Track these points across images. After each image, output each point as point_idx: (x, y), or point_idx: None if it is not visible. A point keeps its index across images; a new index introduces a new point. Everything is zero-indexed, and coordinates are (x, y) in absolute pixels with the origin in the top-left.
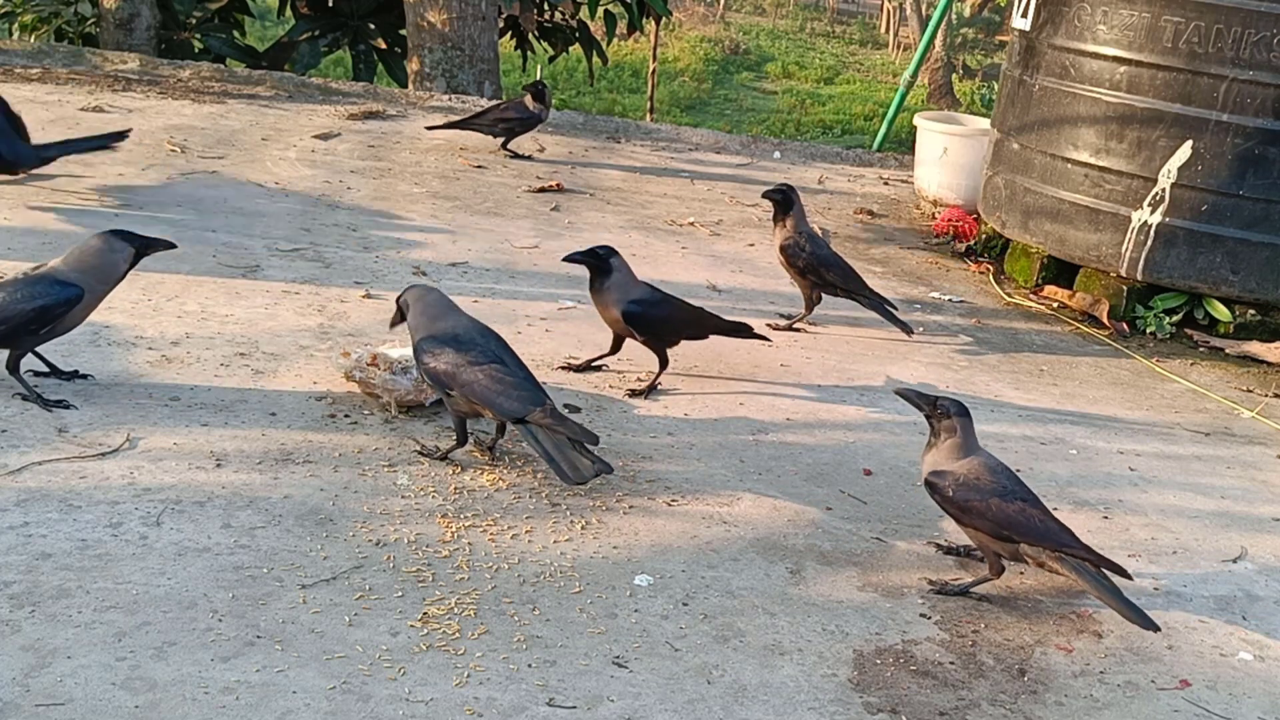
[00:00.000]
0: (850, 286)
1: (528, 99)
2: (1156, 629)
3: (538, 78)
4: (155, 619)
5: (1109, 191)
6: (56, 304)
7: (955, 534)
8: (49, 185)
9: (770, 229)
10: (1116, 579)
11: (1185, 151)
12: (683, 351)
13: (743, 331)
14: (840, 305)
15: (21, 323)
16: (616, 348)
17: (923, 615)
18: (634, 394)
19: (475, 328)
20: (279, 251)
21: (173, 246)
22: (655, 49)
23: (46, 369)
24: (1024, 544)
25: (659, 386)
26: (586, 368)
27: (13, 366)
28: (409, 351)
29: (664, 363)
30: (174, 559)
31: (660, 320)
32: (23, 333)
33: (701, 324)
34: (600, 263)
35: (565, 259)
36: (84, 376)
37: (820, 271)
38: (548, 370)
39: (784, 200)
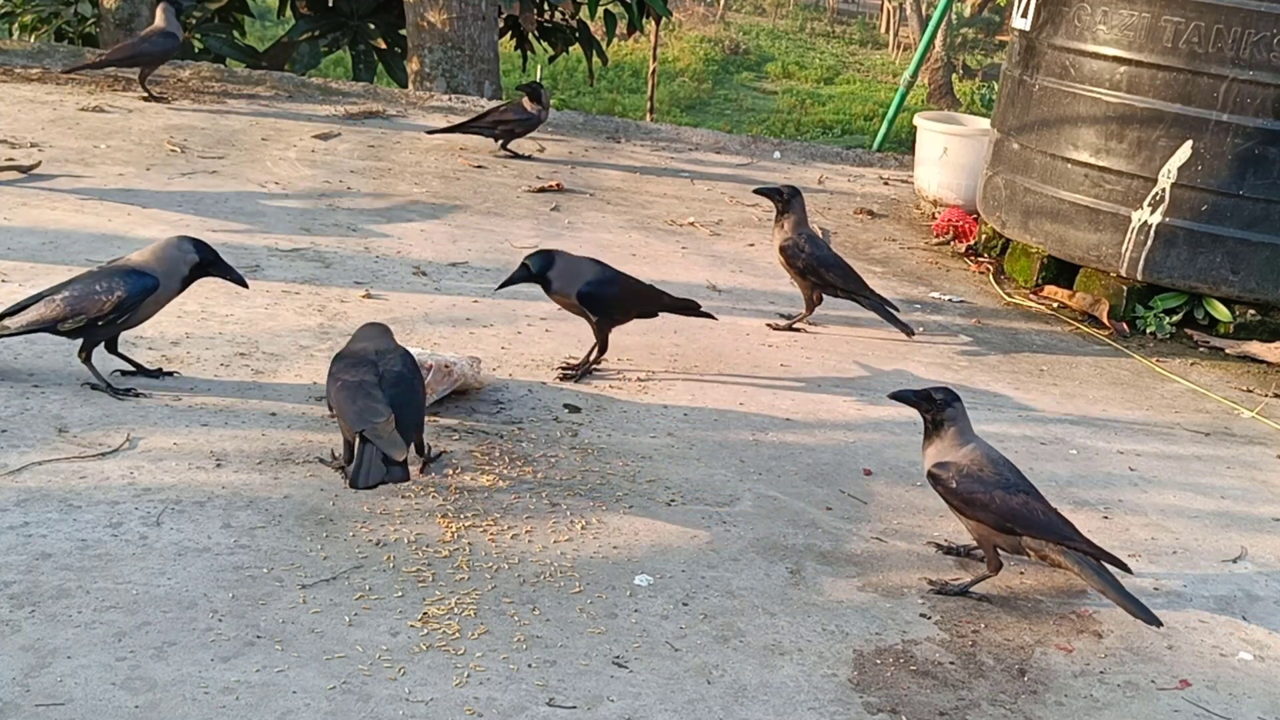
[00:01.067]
0: (850, 287)
1: (525, 101)
2: (1159, 624)
3: (536, 78)
4: (155, 619)
5: (1109, 191)
6: (134, 294)
7: (954, 534)
8: (48, 185)
9: (770, 229)
10: (1117, 573)
11: (1185, 151)
12: (682, 351)
13: (690, 309)
14: (840, 306)
15: (100, 314)
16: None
17: (923, 615)
18: (565, 376)
19: (376, 349)
20: (279, 251)
21: (244, 285)
22: (655, 49)
23: (132, 368)
24: (1026, 537)
25: (593, 371)
26: (586, 373)
27: (86, 356)
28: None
29: (603, 348)
30: (174, 559)
31: (612, 298)
32: (100, 323)
33: (653, 300)
34: (537, 276)
35: (498, 288)
36: (169, 374)
37: (820, 272)
38: (547, 370)
39: (785, 201)
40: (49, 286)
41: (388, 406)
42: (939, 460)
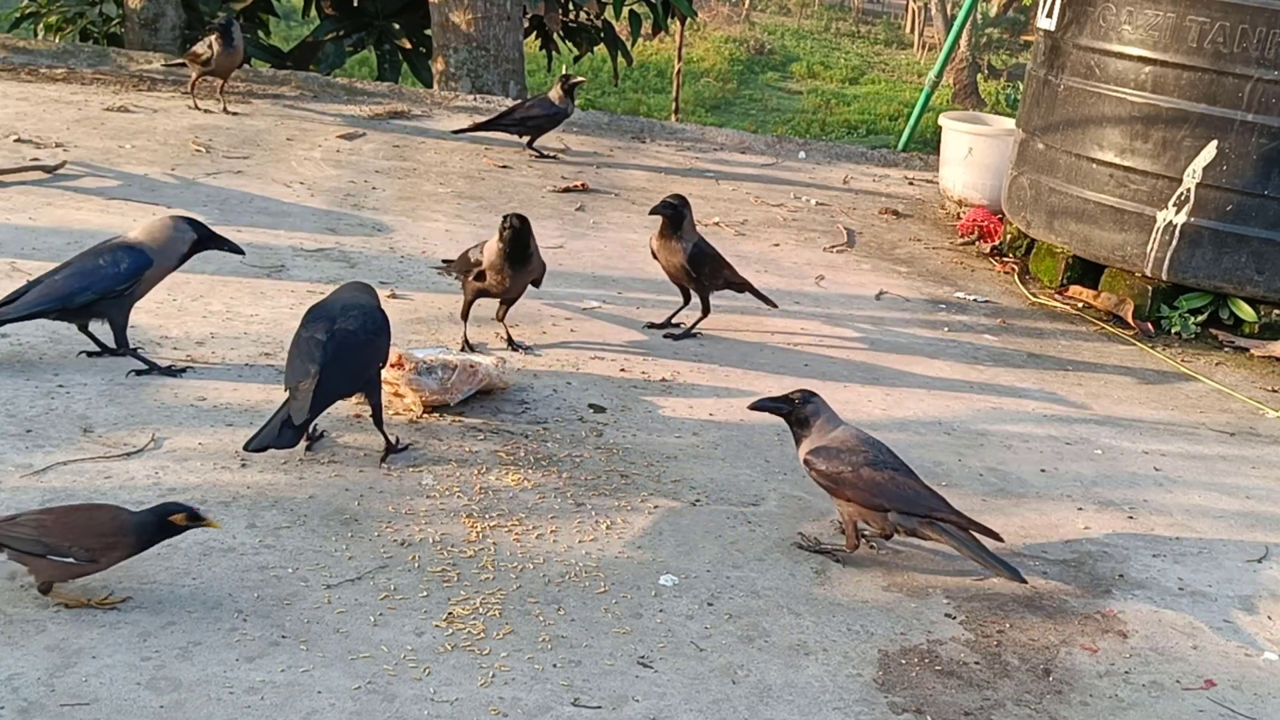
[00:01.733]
0: (742, 281)
1: (555, 92)
2: (1023, 581)
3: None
4: (180, 619)
5: (1134, 191)
6: (137, 267)
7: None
8: (73, 185)
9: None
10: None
11: (1210, 151)
12: (707, 351)
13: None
14: (866, 306)
15: (110, 287)
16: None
17: (948, 615)
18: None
19: (344, 305)
20: (304, 251)
21: (239, 252)
22: (680, 49)
23: (145, 366)
24: (893, 513)
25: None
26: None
27: (120, 340)
28: (435, 351)
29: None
30: (199, 559)
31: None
32: (111, 295)
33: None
34: (674, 212)
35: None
36: (181, 371)
37: (724, 274)
38: (572, 370)
39: (675, 213)
40: (43, 274)
41: (319, 366)
42: (811, 448)
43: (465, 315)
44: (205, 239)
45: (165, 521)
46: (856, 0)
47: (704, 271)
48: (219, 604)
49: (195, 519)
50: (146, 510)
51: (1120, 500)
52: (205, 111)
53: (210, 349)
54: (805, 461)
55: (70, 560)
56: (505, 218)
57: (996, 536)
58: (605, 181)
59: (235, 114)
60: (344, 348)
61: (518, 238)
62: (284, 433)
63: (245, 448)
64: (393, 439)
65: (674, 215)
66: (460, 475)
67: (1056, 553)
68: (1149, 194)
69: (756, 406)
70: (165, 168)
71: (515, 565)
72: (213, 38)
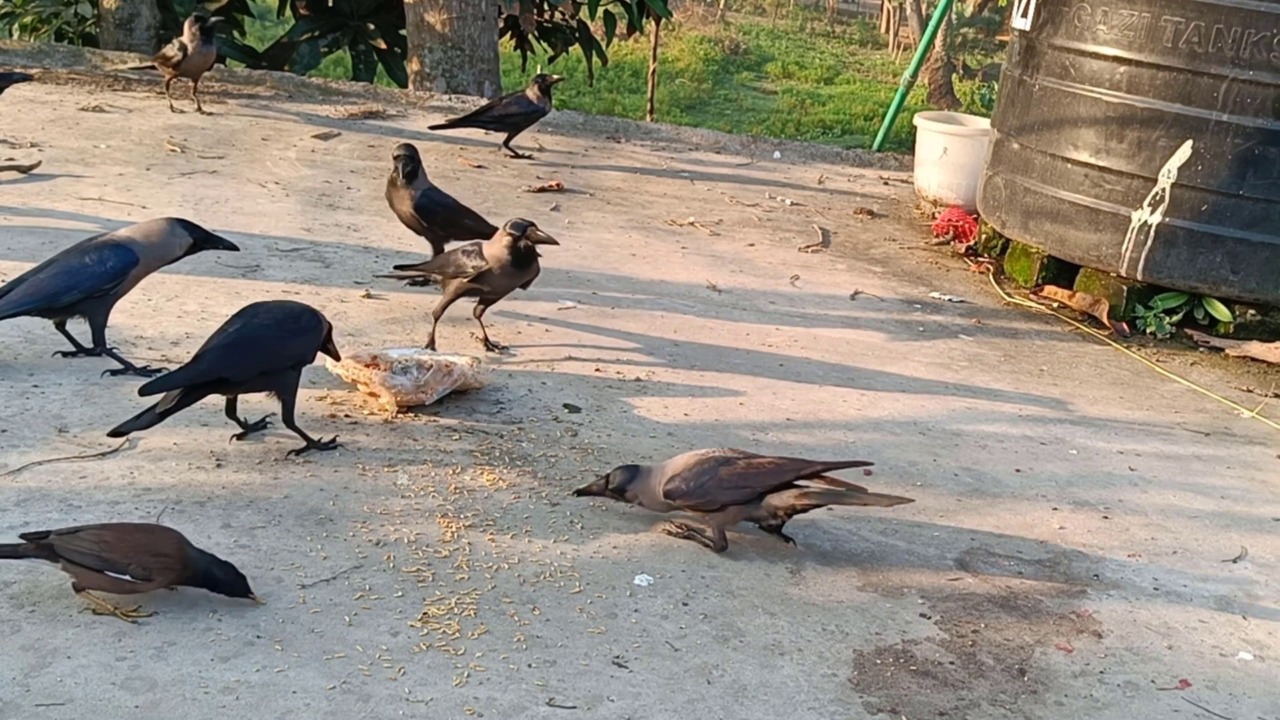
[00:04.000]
0: (482, 229)
1: (532, 90)
2: (904, 500)
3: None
4: (155, 619)
5: (1109, 191)
6: (124, 265)
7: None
8: (48, 186)
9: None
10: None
11: (1185, 151)
12: (681, 351)
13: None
14: (840, 307)
15: (95, 286)
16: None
17: (922, 615)
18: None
19: (261, 307)
20: (279, 251)
21: (234, 249)
22: (655, 49)
23: (121, 366)
24: (769, 495)
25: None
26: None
27: (99, 340)
28: (409, 351)
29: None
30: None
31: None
32: (96, 294)
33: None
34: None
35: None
36: (156, 371)
37: (458, 221)
38: (546, 370)
39: (411, 162)
40: (26, 271)
41: (205, 350)
42: (664, 483)
43: (439, 314)
44: (201, 240)
45: (211, 574)
46: (831, 0)
47: (435, 220)
48: (194, 604)
49: (238, 592)
50: (209, 554)
51: (1095, 500)
52: (180, 112)
53: (185, 349)
54: (668, 494)
55: (126, 578)
56: (517, 225)
57: (866, 463)
58: (580, 181)
59: (210, 114)
60: (245, 340)
61: (533, 248)
62: (144, 415)
63: (110, 434)
64: (316, 437)
65: (408, 164)
66: (435, 475)
67: (1031, 552)
68: (1124, 194)
69: (584, 492)
70: (140, 167)
71: (490, 565)
72: (184, 38)
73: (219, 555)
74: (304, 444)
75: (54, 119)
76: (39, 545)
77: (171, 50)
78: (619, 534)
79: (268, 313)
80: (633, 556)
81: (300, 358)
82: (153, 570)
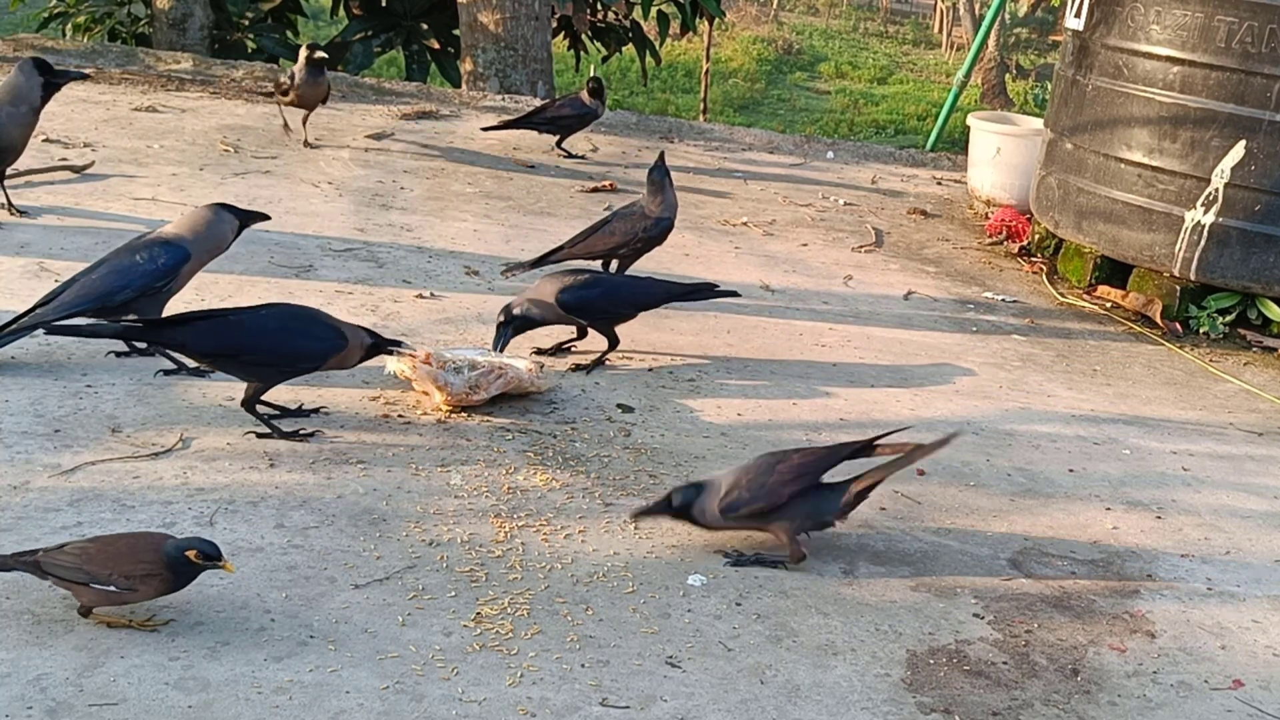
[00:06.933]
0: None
1: (584, 94)
2: (953, 436)
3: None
4: (208, 619)
5: (1162, 191)
6: (175, 262)
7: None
8: (101, 185)
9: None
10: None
11: (1239, 151)
12: (735, 351)
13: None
14: (894, 307)
15: (147, 284)
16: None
17: (976, 615)
18: (577, 367)
19: (286, 307)
20: (332, 251)
21: (266, 218)
22: (708, 49)
23: (174, 366)
24: (842, 493)
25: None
26: (557, 351)
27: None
28: (464, 351)
29: (613, 342)
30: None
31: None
32: (149, 293)
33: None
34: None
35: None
36: (206, 373)
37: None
38: (600, 370)
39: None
40: (78, 272)
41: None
42: (717, 506)
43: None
44: (244, 220)
45: (184, 556)
46: (884, 0)
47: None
48: (247, 604)
49: (208, 558)
50: (172, 543)
51: (1148, 500)
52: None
53: None
54: (722, 511)
55: (111, 589)
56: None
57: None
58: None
59: (303, 141)
60: (247, 326)
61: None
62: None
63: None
64: (285, 427)
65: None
66: (488, 475)
67: (1084, 553)
68: (1177, 194)
69: (640, 515)
70: (194, 167)
71: (543, 565)
72: (295, 67)
73: (254, 552)
74: (269, 431)
75: (107, 119)
76: (24, 562)
77: (283, 77)
78: (672, 534)
79: (282, 314)
80: (686, 557)
81: (288, 362)
82: (136, 579)
